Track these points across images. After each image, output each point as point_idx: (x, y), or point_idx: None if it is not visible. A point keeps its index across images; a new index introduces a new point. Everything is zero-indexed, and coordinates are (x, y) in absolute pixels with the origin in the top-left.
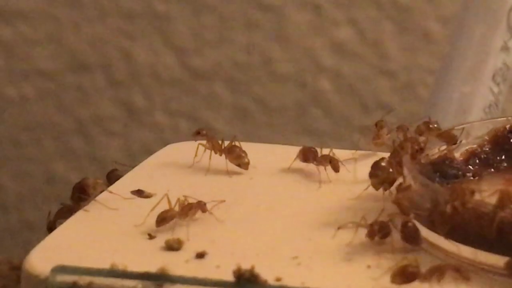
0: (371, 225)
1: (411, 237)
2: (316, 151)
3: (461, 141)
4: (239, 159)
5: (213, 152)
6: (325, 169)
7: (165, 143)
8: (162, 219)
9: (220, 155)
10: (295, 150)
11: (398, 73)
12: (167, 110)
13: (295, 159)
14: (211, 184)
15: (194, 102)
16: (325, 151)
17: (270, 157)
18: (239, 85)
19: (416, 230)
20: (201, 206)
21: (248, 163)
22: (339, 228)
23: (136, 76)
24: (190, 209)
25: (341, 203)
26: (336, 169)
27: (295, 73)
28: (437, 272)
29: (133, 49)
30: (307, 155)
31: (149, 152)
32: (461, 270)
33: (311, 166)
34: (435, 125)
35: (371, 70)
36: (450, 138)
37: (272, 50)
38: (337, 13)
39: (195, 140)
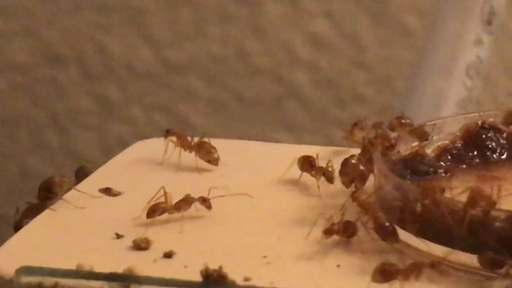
0: (332, 224)
1: (388, 234)
2: (314, 160)
3: (432, 137)
4: (209, 155)
5: (183, 149)
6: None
7: (141, 137)
8: (153, 211)
9: (190, 152)
10: (267, 146)
11: (375, 65)
12: (142, 103)
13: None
14: (181, 181)
15: (170, 96)
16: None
17: (241, 153)
18: (215, 78)
19: (392, 227)
20: (206, 202)
21: (217, 159)
22: (308, 234)
23: (111, 70)
24: (185, 204)
25: (312, 201)
26: (330, 180)
27: (271, 66)
28: (415, 270)
29: (108, 42)
30: (305, 164)
31: (125, 146)
32: (438, 266)
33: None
34: (407, 121)
35: (347, 63)
36: (421, 135)
37: (248, 43)
38: (313, 5)
39: (165, 139)
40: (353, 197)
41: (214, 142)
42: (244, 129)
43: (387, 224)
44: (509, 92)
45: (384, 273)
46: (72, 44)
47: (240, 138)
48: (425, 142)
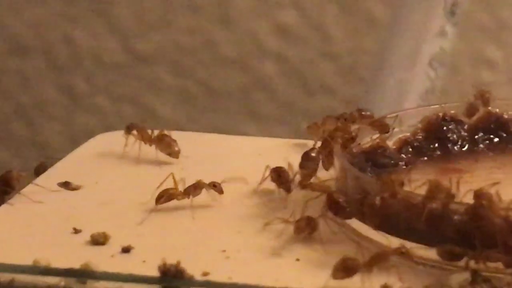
0: (298, 221)
1: (340, 209)
2: (287, 174)
3: (393, 129)
4: (169, 148)
5: (143, 143)
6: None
7: (108, 128)
8: (161, 197)
9: (150, 145)
10: (229, 139)
11: (342, 56)
12: (109, 94)
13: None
14: (141, 175)
15: (137, 87)
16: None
17: (203, 146)
18: (183, 69)
19: (344, 202)
20: (216, 187)
21: (178, 152)
22: (266, 224)
23: (78, 60)
24: (195, 189)
25: (274, 195)
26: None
27: (238, 56)
28: (380, 260)
29: (75, 33)
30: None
31: (92, 137)
32: (405, 253)
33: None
34: (368, 113)
35: (315, 53)
36: (382, 127)
37: (215, 33)
38: None
39: (126, 136)
40: (302, 185)
41: (176, 135)
42: (211, 120)
43: (339, 199)
44: (476, 82)
45: (346, 269)
46: (39, 35)
47: (207, 129)
48: (386, 134)
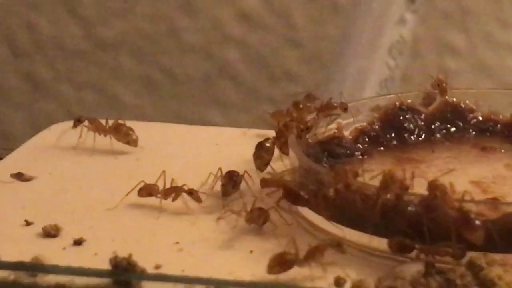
0: (250, 211)
1: (297, 198)
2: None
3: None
4: (127, 137)
5: (97, 133)
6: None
7: (71, 116)
8: (141, 189)
9: (105, 135)
10: (186, 128)
11: (306, 43)
12: (72, 81)
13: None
14: (96, 165)
15: (100, 74)
16: None
17: (159, 136)
18: (146, 56)
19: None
20: (193, 194)
21: (136, 140)
22: (218, 218)
23: (40, 47)
24: (173, 192)
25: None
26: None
27: (202, 43)
28: (317, 253)
29: (37, 20)
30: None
31: (53, 123)
32: (339, 245)
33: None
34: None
35: (278, 40)
36: (329, 108)
37: (178, 20)
38: None
39: (75, 128)
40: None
41: (131, 124)
42: (175, 107)
43: (295, 188)
44: (439, 68)
45: (281, 263)
46: (0, 22)
47: (171, 117)
48: (343, 123)
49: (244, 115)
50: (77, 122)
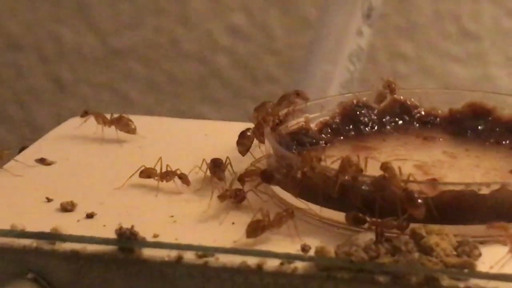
0: (226, 190)
1: (268, 177)
2: (222, 164)
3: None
4: (127, 127)
5: (105, 126)
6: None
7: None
8: (141, 172)
9: (109, 126)
10: (182, 122)
11: (283, 51)
12: (90, 83)
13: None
14: (105, 152)
15: (113, 76)
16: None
17: (158, 128)
18: (151, 61)
19: (271, 172)
20: (183, 178)
21: (135, 129)
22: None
23: (64, 54)
24: (168, 175)
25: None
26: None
27: (197, 51)
28: (279, 218)
29: (60, 32)
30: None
31: None
32: (292, 213)
33: (192, 139)
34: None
35: (260, 49)
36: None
37: (177, 32)
38: (231, 1)
39: (83, 118)
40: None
41: (136, 118)
42: (175, 104)
43: (268, 170)
44: (391, 72)
45: (256, 228)
46: (31, 33)
47: (171, 111)
48: (310, 117)
49: (232, 110)
50: (85, 113)
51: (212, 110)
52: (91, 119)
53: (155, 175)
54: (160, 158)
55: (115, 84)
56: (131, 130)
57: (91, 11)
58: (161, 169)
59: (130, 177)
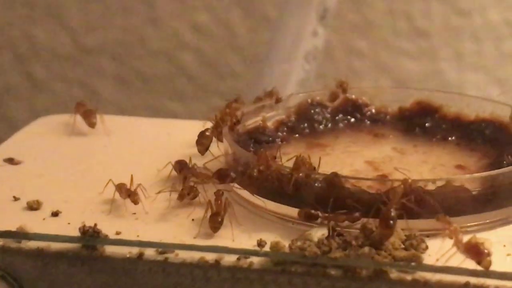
0: (182, 189)
1: (224, 176)
2: (186, 164)
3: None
4: (90, 119)
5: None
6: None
7: (62, 108)
8: (118, 187)
9: (76, 114)
10: (145, 120)
11: (245, 48)
12: (63, 80)
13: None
14: (72, 152)
15: (85, 74)
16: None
17: (124, 127)
18: (121, 59)
19: (229, 171)
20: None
21: (95, 123)
22: (158, 192)
23: (37, 52)
24: (129, 195)
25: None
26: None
27: (165, 49)
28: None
29: (34, 31)
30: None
31: (50, 113)
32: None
33: (155, 138)
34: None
35: (224, 46)
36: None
37: (145, 31)
38: (197, 0)
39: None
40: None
41: (107, 118)
42: (144, 100)
43: (225, 169)
44: (348, 67)
45: (213, 221)
46: (4, 34)
47: (141, 107)
48: (267, 115)
49: (198, 104)
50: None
51: (179, 105)
52: (59, 118)
53: (121, 193)
54: (131, 175)
55: (87, 81)
56: (91, 124)
57: (63, 11)
58: (131, 184)
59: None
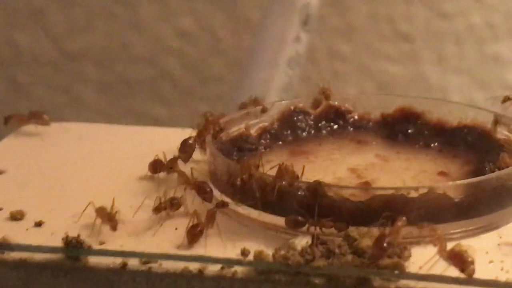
0: (160, 203)
1: (205, 193)
2: (161, 162)
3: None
4: (42, 119)
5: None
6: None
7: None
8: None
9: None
10: (128, 128)
11: (229, 52)
12: (45, 85)
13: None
14: (54, 160)
15: (68, 79)
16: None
17: (105, 135)
18: (104, 64)
19: (209, 188)
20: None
21: (48, 121)
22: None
23: (20, 58)
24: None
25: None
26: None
27: (148, 53)
28: (212, 215)
29: (16, 37)
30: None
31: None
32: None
33: (138, 146)
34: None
35: (207, 50)
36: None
37: (129, 35)
38: (180, 5)
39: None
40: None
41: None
42: (128, 105)
43: (204, 186)
44: (331, 71)
45: (193, 234)
46: None
47: (124, 113)
48: (250, 123)
49: (182, 109)
50: (6, 120)
51: (163, 109)
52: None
53: (101, 216)
54: (113, 198)
55: (69, 86)
56: (45, 122)
57: (45, 17)
58: (112, 207)
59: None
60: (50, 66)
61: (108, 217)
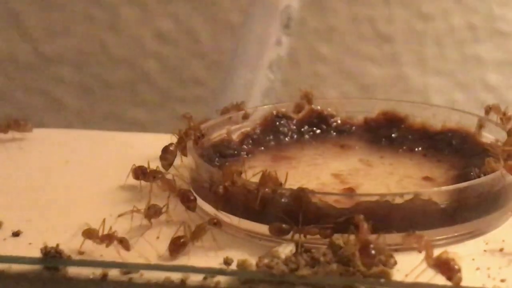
0: (148, 209)
1: (188, 201)
2: (146, 169)
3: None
4: (24, 127)
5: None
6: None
7: (24, 117)
8: (84, 233)
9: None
10: (109, 134)
11: (208, 54)
12: (24, 89)
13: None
14: (35, 169)
15: (46, 82)
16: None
17: (87, 141)
18: (83, 67)
19: (193, 196)
20: (123, 242)
21: (31, 127)
22: (119, 216)
23: None
24: (107, 238)
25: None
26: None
27: (127, 56)
28: (200, 231)
29: None
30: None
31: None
32: (216, 223)
33: (119, 152)
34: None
35: (187, 53)
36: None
37: (108, 38)
38: (159, 8)
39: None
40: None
41: (60, 132)
42: (107, 107)
43: (188, 195)
44: (312, 73)
45: (176, 246)
46: None
47: (103, 115)
48: (232, 128)
49: (162, 112)
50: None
51: (142, 112)
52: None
53: (95, 238)
54: (104, 219)
55: (48, 89)
56: (28, 129)
57: (23, 19)
58: (103, 229)
59: (40, 192)
60: (28, 69)
61: (118, 240)
